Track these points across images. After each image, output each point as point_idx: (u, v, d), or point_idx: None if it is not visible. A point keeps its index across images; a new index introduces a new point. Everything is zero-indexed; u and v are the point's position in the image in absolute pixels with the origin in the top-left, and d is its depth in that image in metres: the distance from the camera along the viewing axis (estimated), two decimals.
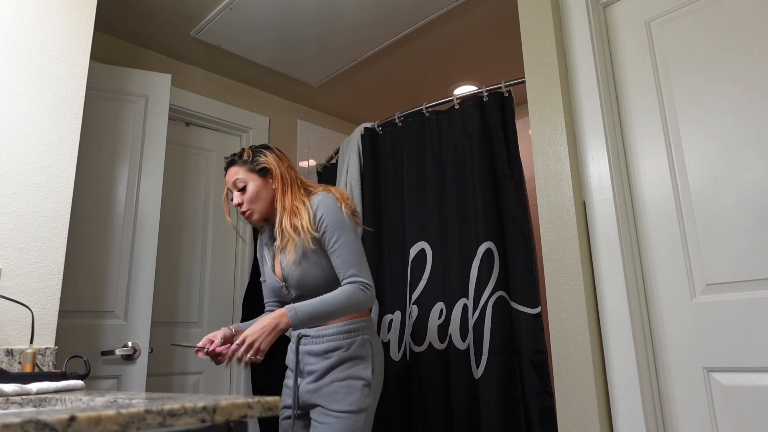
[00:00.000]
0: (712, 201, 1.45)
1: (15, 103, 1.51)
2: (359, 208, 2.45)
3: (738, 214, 1.40)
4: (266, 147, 1.68)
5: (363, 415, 1.49)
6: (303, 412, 1.59)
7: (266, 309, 1.75)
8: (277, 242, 1.61)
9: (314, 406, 1.53)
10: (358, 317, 1.57)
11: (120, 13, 2.29)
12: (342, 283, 1.52)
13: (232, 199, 1.66)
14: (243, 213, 1.63)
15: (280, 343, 1.77)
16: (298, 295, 1.60)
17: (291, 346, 1.64)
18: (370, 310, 1.66)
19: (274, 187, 1.62)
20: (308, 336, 1.58)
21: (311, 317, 1.47)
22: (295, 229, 1.54)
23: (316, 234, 1.53)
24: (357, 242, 1.56)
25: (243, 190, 1.62)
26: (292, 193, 1.60)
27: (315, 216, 1.54)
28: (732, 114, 1.45)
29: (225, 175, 1.66)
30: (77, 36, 1.67)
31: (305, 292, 1.58)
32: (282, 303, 1.70)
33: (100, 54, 2.23)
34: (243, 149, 1.67)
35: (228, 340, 1.52)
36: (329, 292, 1.53)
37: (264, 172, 1.63)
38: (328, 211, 1.54)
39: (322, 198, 1.57)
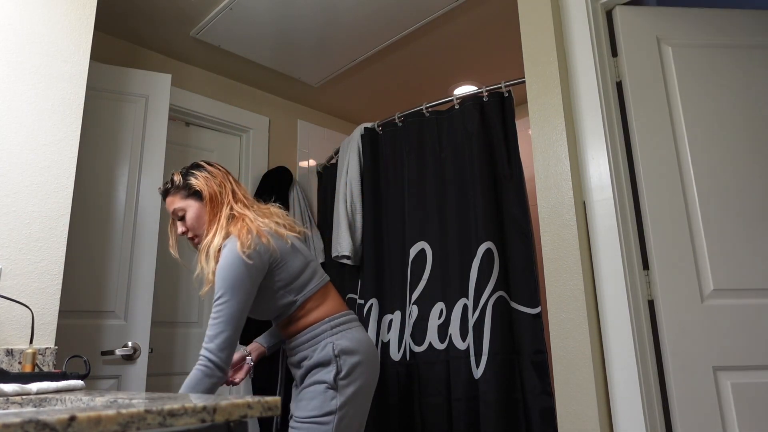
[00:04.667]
0: (714, 203, 1.45)
1: (15, 103, 1.51)
2: (359, 208, 2.45)
3: (738, 215, 1.40)
4: (197, 166, 1.63)
5: (330, 418, 1.43)
6: None
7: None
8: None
9: None
10: (317, 321, 1.54)
11: (120, 13, 2.29)
12: None
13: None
14: (191, 240, 1.61)
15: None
16: None
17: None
18: (337, 305, 1.60)
19: (207, 209, 1.57)
20: (287, 348, 1.61)
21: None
22: (202, 269, 1.53)
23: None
24: (234, 305, 1.44)
25: (183, 219, 1.58)
26: (218, 222, 1.54)
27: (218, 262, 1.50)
28: (735, 115, 1.45)
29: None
30: (77, 36, 1.67)
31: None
32: None
33: (100, 54, 2.22)
34: (173, 175, 1.62)
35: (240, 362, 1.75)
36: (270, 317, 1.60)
37: (199, 195, 1.57)
38: (221, 264, 1.46)
39: (226, 244, 1.49)
